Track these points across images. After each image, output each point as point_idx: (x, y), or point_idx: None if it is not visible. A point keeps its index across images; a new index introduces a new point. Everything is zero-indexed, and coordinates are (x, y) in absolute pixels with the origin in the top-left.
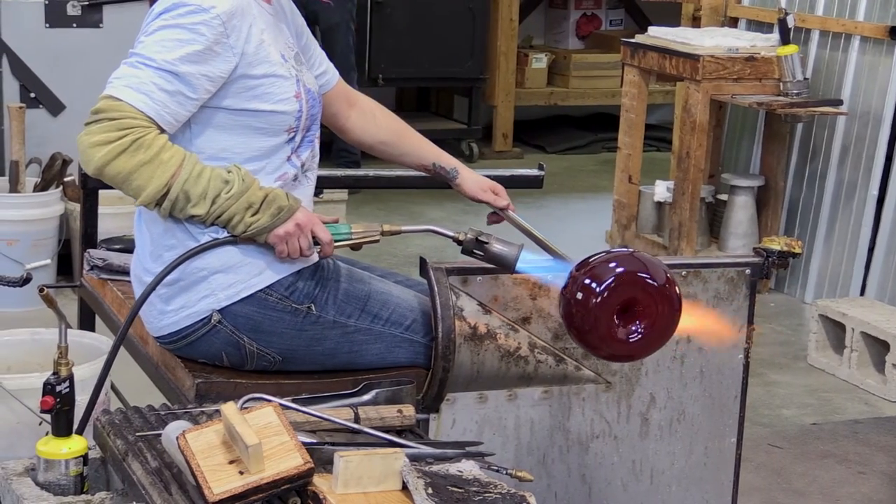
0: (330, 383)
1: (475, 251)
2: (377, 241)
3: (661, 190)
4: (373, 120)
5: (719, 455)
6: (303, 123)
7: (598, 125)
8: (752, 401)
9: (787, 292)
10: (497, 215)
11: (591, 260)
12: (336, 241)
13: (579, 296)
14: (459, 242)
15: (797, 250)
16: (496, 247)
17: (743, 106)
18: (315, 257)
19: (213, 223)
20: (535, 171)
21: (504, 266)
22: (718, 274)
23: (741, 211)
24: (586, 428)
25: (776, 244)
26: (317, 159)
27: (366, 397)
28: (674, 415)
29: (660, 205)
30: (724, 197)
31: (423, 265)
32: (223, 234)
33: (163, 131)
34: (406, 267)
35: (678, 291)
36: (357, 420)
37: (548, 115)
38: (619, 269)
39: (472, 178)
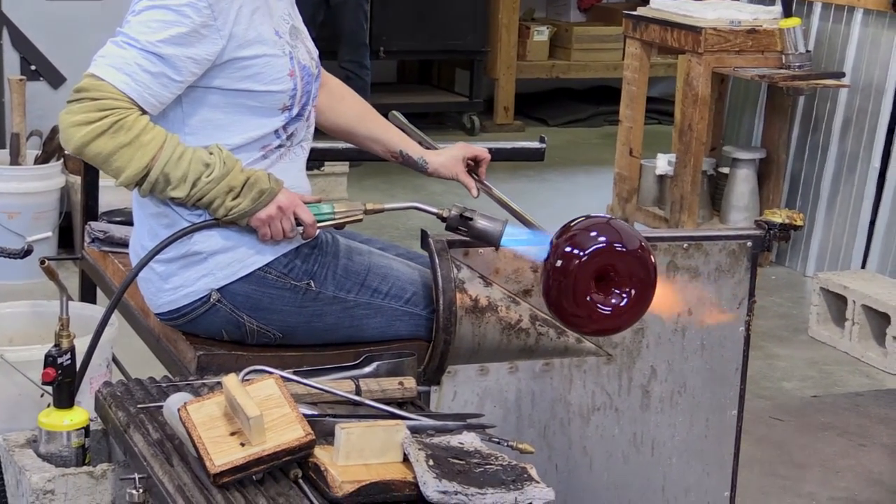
0: (331, 356)
1: (459, 228)
2: (360, 220)
3: (663, 163)
4: (341, 101)
5: (720, 427)
6: (298, 100)
7: (600, 98)
8: (753, 373)
9: (788, 265)
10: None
11: (571, 225)
12: (319, 221)
13: (558, 264)
14: (443, 219)
15: (798, 223)
16: (480, 223)
17: (745, 79)
18: (299, 239)
19: (194, 205)
20: (536, 144)
21: (489, 242)
22: (720, 247)
23: (743, 184)
24: (587, 400)
25: (778, 217)
26: (311, 130)
27: (367, 370)
28: (675, 387)
29: (661, 178)
30: (725, 170)
31: (425, 238)
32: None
33: (144, 112)
34: (408, 240)
35: (653, 260)
36: (358, 392)
37: (549, 88)
38: (600, 239)
39: (443, 161)
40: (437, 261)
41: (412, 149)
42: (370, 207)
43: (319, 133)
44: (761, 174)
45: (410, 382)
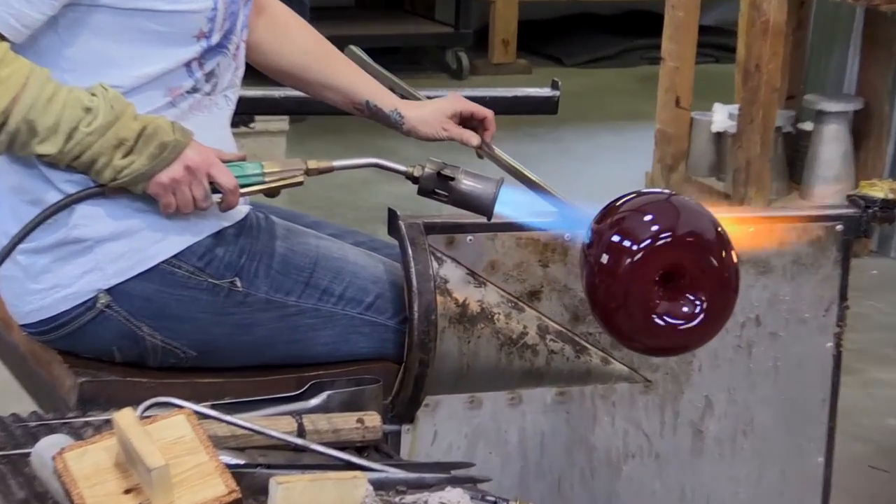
0: (264, 382)
1: (437, 190)
2: (300, 183)
3: (722, 117)
4: (285, 35)
5: (801, 480)
6: (219, 25)
7: (635, 28)
8: (847, 406)
9: (894, 256)
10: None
11: (620, 205)
12: (243, 186)
13: (604, 259)
14: (414, 179)
15: None
16: (465, 183)
17: (834, 1)
18: (217, 213)
19: (72, 165)
20: (546, 92)
21: (477, 209)
22: (800, 231)
23: (832, 145)
24: (617, 443)
25: (879, 190)
26: (239, 73)
27: (314, 402)
28: (738, 426)
29: (719, 137)
30: (807, 126)
31: (393, 219)
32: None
33: (3, 39)
34: (372, 223)
35: (735, 259)
36: (301, 433)
37: (565, 14)
38: (656, 226)
39: (424, 116)
40: (410, 251)
41: (383, 99)
42: (313, 166)
43: (249, 76)
44: (857, 132)
45: (374, 419)
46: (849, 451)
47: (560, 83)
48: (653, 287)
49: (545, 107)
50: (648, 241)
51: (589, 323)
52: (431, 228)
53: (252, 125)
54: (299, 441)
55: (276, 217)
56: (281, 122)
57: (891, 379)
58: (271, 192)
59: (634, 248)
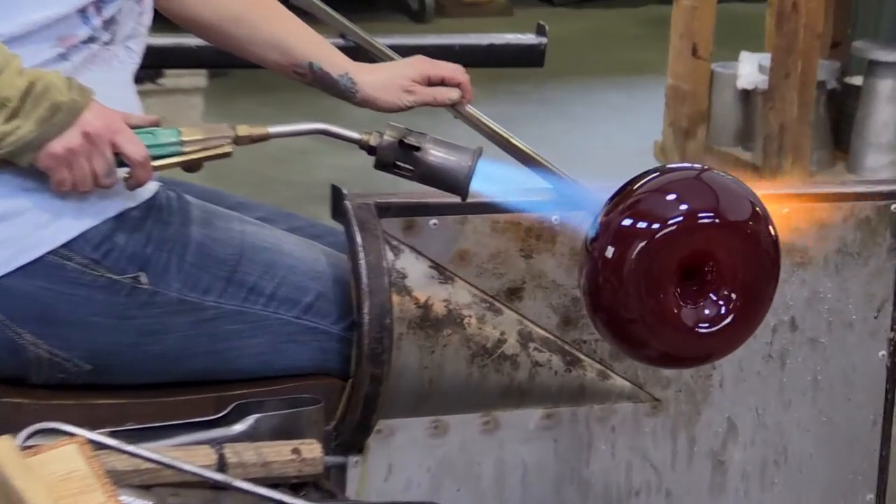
0: (177, 403)
1: (399, 163)
2: (227, 154)
3: (750, 69)
4: None
5: None
6: None
7: None
8: None
9: None
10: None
11: (636, 188)
12: (155, 157)
13: (609, 253)
14: (371, 149)
15: None
16: (434, 154)
17: None
18: (122, 192)
19: None
20: (531, 38)
21: (450, 185)
22: (846, 212)
23: (886, 105)
24: (618, 477)
25: None
26: (145, 19)
27: (238, 427)
28: (769, 455)
29: (747, 95)
30: (856, 80)
31: (338, 199)
32: None
33: None
34: (312, 205)
35: (776, 240)
36: (223, 466)
37: None
38: (677, 206)
39: (383, 80)
40: (358, 239)
41: (330, 60)
42: (244, 133)
43: (157, 21)
44: None
45: (313, 449)
46: None
47: (547, 27)
48: (670, 281)
49: (529, 57)
50: (669, 223)
51: (583, 328)
52: (386, 210)
53: (161, 81)
54: (220, 477)
55: (191, 197)
56: (197, 78)
57: None
58: (191, 166)
59: (650, 229)
